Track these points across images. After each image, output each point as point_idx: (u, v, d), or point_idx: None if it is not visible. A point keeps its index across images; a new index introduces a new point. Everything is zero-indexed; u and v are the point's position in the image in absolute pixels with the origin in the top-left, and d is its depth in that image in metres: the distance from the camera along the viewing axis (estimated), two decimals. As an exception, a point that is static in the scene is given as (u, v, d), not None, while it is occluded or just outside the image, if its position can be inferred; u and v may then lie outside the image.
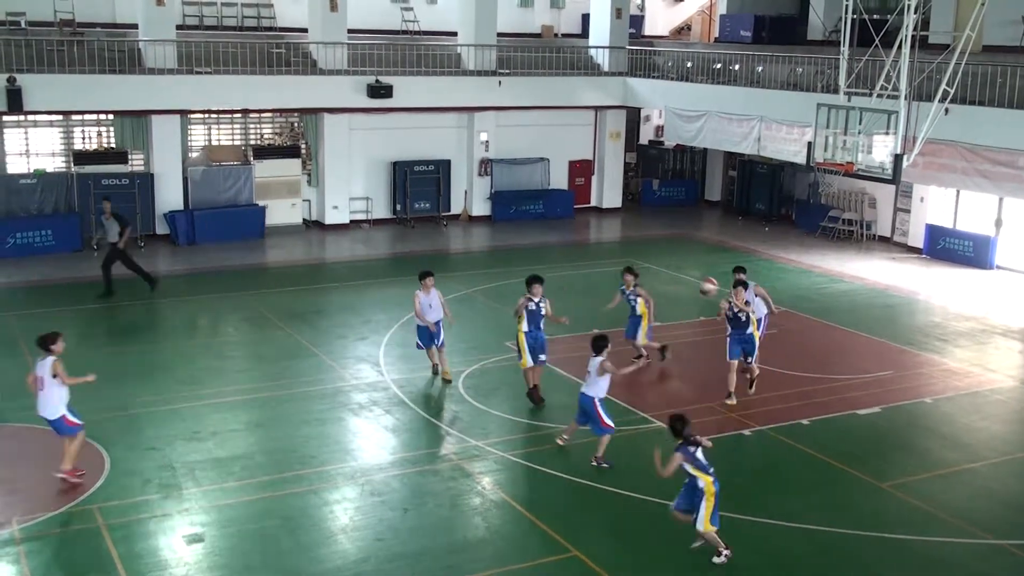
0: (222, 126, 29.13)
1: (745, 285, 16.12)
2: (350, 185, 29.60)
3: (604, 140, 33.23)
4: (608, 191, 33.55)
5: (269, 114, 29.46)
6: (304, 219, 29.49)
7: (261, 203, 28.16)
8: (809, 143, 21.37)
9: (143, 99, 25.96)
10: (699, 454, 11.08)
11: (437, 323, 16.48)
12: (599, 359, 13.45)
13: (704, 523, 11.01)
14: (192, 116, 27.96)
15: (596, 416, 13.61)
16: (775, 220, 31.55)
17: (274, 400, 16.00)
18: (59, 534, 11.64)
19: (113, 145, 27.37)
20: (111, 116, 27.07)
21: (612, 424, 13.64)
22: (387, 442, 14.50)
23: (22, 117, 25.94)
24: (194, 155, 28.21)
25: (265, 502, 12.57)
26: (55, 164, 27.07)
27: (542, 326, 15.71)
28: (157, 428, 14.69)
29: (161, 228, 27.15)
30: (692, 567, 11.29)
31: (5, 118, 25.67)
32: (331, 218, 29.37)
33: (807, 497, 13.09)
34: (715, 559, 11.20)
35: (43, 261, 24.67)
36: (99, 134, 27.66)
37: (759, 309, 16.79)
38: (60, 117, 26.85)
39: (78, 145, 27.38)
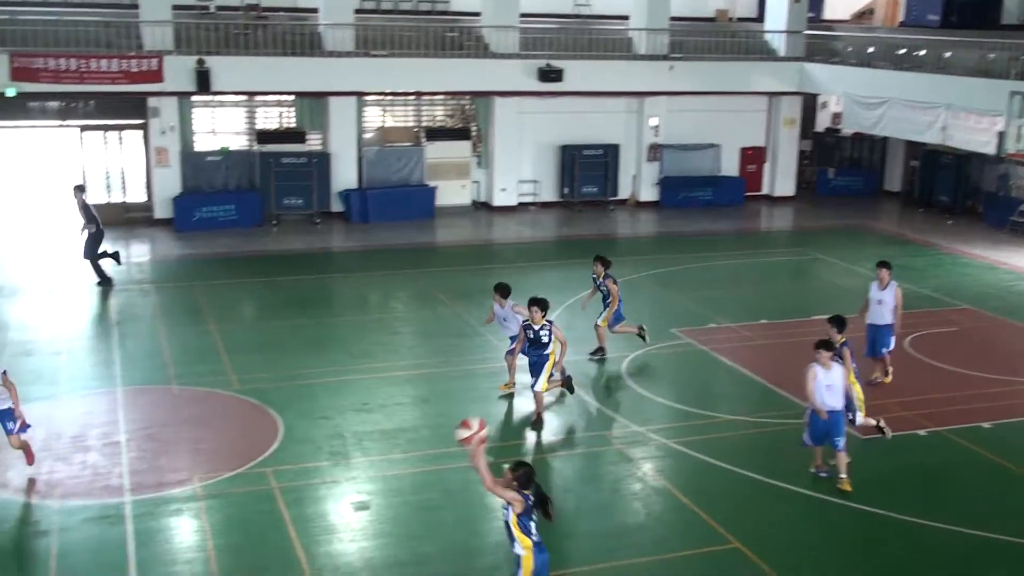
0: (396, 108, 29.79)
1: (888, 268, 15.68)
2: (519, 168, 29.81)
3: (778, 127, 32.37)
4: (781, 179, 32.68)
5: (441, 97, 29.93)
6: (473, 200, 29.89)
7: (432, 184, 28.68)
8: (1000, 133, 20.32)
9: (322, 81, 26.79)
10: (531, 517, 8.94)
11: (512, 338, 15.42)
12: (840, 368, 12.44)
13: None
14: (368, 98, 28.69)
15: (841, 428, 12.50)
16: (959, 213, 30.07)
17: (440, 376, 16.29)
18: (236, 493, 12.16)
19: (293, 125, 28.35)
20: (292, 97, 28.06)
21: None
22: (549, 423, 14.54)
23: (210, 97, 27.15)
24: (369, 136, 28.95)
25: (429, 475, 12.81)
26: (239, 143, 28.25)
27: (544, 352, 14.24)
28: (330, 398, 15.16)
29: (336, 206, 28.01)
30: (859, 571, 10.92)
31: (194, 98, 26.92)
32: (499, 200, 29.65)
33: (985, 503, 12.45)
34: None
35: (226, 235, 25.81)
36: (280, 114, 28.71)
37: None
38: (245, 98, 27.99)
39: (261, 124, 28.48)
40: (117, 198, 27.32)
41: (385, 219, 27.61)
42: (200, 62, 25.30)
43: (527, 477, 8.84)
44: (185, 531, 11.37)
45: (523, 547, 8.84)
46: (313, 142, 28.26)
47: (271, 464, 12.87)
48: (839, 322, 13.19)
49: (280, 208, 27.22)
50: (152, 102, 26.23)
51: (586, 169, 30.17)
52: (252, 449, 13.26)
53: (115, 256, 21.83)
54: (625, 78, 29.49)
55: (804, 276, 23.97)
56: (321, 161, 27.58)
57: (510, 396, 15.37)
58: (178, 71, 25.32)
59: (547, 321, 14.28)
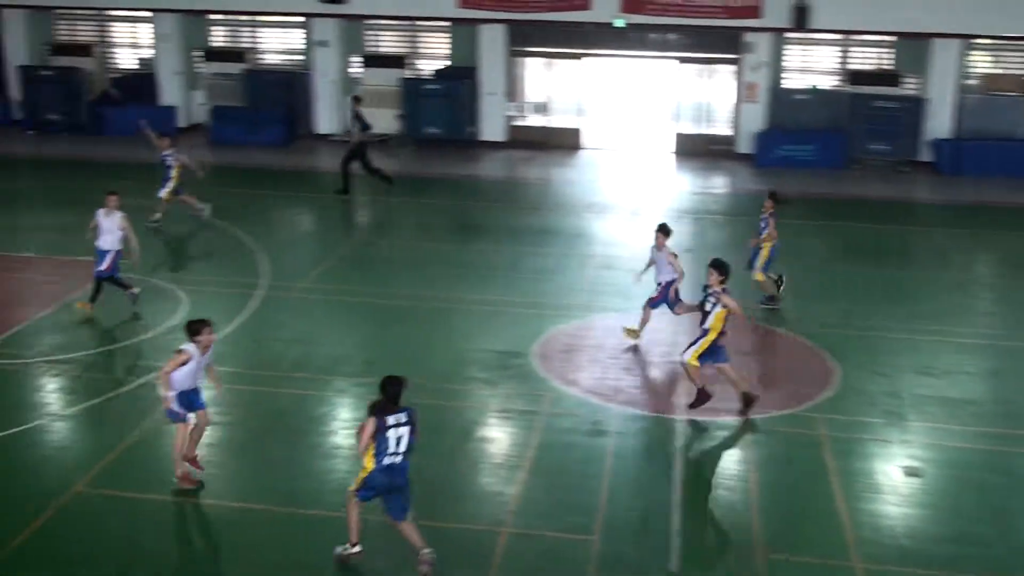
0: (1006, 54, 27.19)
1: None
2: None
3: None
4: None
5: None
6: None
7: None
8: None
9: (926, 21, 25.20)
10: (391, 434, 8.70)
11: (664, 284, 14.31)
12: None
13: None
14: (974, 42, 26.51)
15: None
16: None
17: (1018, 350, 14.85)
18: (784, 433, 12.16)
19: (889, 67, 27.12)
20: (892, 38, 26.78)
21: None
22: None
23: (805, 35, 26.84)
24: (971, 83, 26.81)
25: (992, 455, 11.80)
26: (829, 82, 27.68)
27: (704, 325, 12.25)
28: (890, 354, 14.51)
29: (925, 155, 26.45)
30: None
31: (789, 35, 26.77)
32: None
33: None
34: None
35: (805, 174, 25.59)
36: (878, 55, 27.59)
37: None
38: (841, 36, 27.27)
39: (854, 65, 27.61)
40: (704, 130, 28.25)
41: (981, 173, 25.52)
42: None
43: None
44: (730, 459, 11.64)
45: None
46: (908, 86, 26.83)
47: (823, 411, 12.66)
48: None
49: (864, 152, 26.33)
50: (747, 37, 26.57)
51: None
52: (805, 392, 13.14)
53: (387, 178, 22.66)
54: None
55: None
56: (914, 106, 26.14)
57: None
58: (776, 7, 25.34)
59: (720, 288, 12.03)
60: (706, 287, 12.21)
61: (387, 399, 8.78)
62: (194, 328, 10.24)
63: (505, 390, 13.11)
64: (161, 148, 19.56)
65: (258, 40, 30.44)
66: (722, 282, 12.11)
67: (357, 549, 9.26)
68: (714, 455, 11.71)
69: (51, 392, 12.91)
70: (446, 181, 24.73)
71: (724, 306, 11.96)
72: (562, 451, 11.63)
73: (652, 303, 14.42)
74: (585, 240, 19.72)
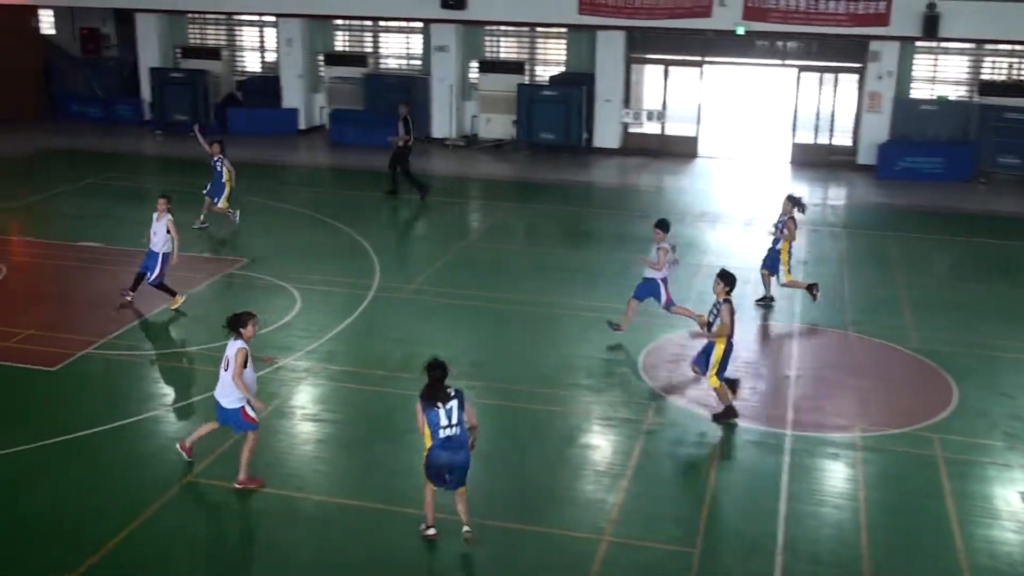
0: None
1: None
2: None
3: None
4: None
5: None
6: None
7: None
8: None
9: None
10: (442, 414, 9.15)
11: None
12: None
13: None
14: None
15: None
16: None
17: None
18: (897, 452, 11.76)
19: (1023, 77, 26.10)
20: (1026, 47, 25.80)
21: None
22: None
23: (934, 43, 26.02)
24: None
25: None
26: (958, 92, 26.77)
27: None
28: (1016, 375, 13.94)
29: (1057, 170, 25.36)
30: None
31: (918, 44, 25.98)
32: None
33: None
34: None
35: (929, 187, 24.80)
36: (1010, 65, 26.57)
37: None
38: (972, 46, 26.35)
39: (986, 75, 26.64)
40: (823, 140, 27.61)
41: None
42: (931, 6, 24.30)
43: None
44: (839, 476, 11.30)
45: None
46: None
47: (939, 431, 12.20)
48: None
49: (993, 165, 25.39)
50: (873, 46, 25.89)
51: None
52: (921, 411, 12.69)
53: (423, 189, 22.41)
54: None
55: None
56: (1049, 119, 25.08)
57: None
58: (905, 15, 24.62)
59: (724, 300, 12.05)
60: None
61: (431, 383, 9.14)
62: (242, 321, 10.29)
63: (610, 397, 13.01)
64: (212, 154, 19.72)
65: (379, 44, 30.96)
66: (727, 292, 12.08)
67: (431, 532, 9.64)
68: (823, 471, 11.38)
69: (166, 384, 13.32)
70: (558, 187, 24.73)
71: (721, 320, 11.94)
72: (666, 461, 11.49)
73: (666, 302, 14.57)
74: (696, 249, 19.46)
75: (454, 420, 9.14)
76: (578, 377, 13.57)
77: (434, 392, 9.14)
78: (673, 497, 10.73)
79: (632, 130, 28.71)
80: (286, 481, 10.80)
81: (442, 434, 9.12)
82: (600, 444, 11.91)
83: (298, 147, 27.95)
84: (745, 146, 29.04)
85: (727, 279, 12.19)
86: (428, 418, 9.14)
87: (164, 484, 10.66)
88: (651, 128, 28.71)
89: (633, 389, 13.28)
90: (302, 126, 29.90)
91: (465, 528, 9.43)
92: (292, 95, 30.24)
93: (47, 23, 33.97)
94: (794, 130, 27.65)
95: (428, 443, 9.21)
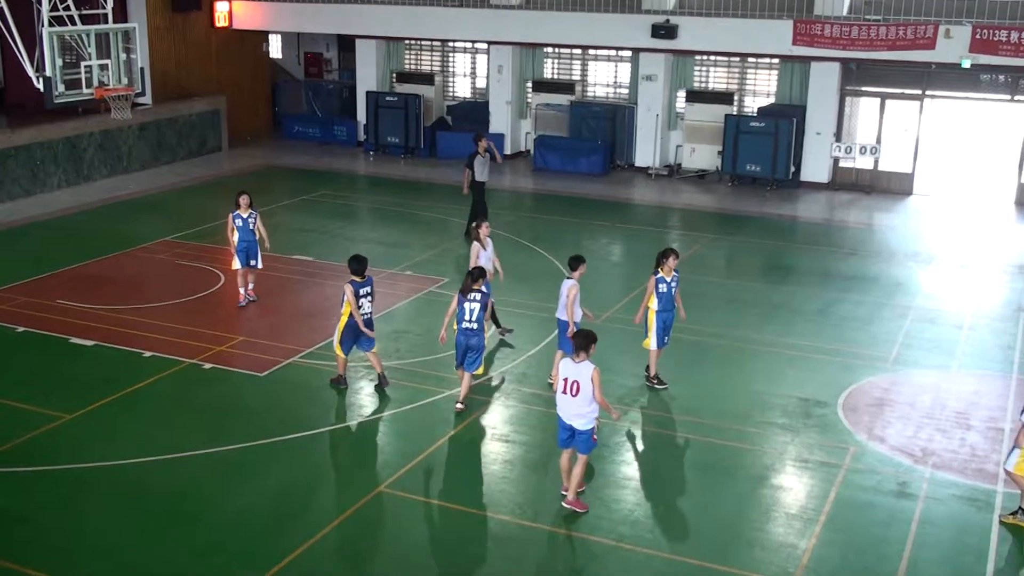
0: None
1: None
2: None
3: None
4: None
5: None
6: None
7: None
8: None
9: None
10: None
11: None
12: None
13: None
14: None
15: None
16: None
17: None
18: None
19: None
20: None
21: None
22: None
23: None
24: None
25: None
26: None
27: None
28: None
29: None
30: None
31: None
32: None
33: None
34: None
35: None
36: None
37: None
38: None
39: None
40: (1051, 181, 25.87)
41: None
42: None
43: None
44: (1055, 541, 10.49)
45: None
46: None
47: None
48: None
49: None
50: (1112, 81, 24.11)
51: None
52: None
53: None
54: None
55: None
56: None
57: None
58: None
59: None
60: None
61: (471, 280, 12.66)
62: (574, 264, 13.53)
63: (806, 439, 12.53)
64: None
65: (587, 72, 31.17)
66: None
67: (460, 406, 12.86)
68: (1037, 535, 10.59)
69: (364, 395, 13.73)
70: (761, 219, 24.13)
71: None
72: (862, 509, 10.95)
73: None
74: (905, 290, 18.55)
75: (473, 318, 12.58)
76: (773, 415, 13.14)
77: (465, 287, 12.62)
78: (869, 548, 10.19)
79: (843, 164, 27.75)
80: (473, 500, 10.91)
81: (463, 325, 12.62)
82: (793, 486, 11.47)
83: (503, 171, 28.37)
84: (965, 185, 27.54)
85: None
86: (459, 310, 12.60)
87: (356, 493, 10.96)
88: (863, 163, 27.65)
89: (831, 432, 12.74)
90: (507, 151, 30.39)
91: (458, 404, 12.84)
92: (499, 120, 30.80)
93: (275, 48, 35.99)
94: (1021, 169, 26.02)
95: (454, 327, 12.73)
